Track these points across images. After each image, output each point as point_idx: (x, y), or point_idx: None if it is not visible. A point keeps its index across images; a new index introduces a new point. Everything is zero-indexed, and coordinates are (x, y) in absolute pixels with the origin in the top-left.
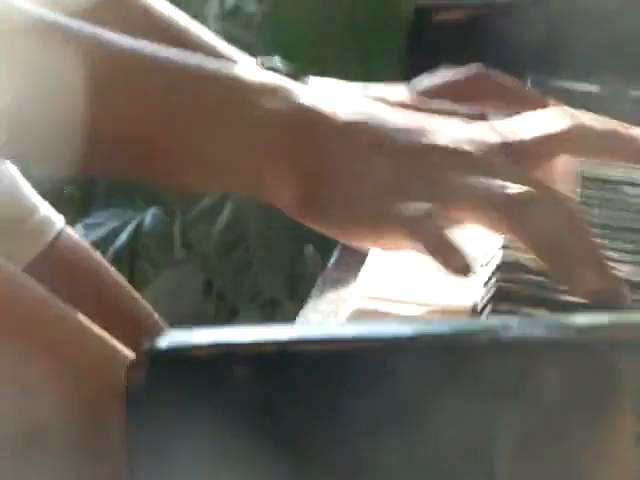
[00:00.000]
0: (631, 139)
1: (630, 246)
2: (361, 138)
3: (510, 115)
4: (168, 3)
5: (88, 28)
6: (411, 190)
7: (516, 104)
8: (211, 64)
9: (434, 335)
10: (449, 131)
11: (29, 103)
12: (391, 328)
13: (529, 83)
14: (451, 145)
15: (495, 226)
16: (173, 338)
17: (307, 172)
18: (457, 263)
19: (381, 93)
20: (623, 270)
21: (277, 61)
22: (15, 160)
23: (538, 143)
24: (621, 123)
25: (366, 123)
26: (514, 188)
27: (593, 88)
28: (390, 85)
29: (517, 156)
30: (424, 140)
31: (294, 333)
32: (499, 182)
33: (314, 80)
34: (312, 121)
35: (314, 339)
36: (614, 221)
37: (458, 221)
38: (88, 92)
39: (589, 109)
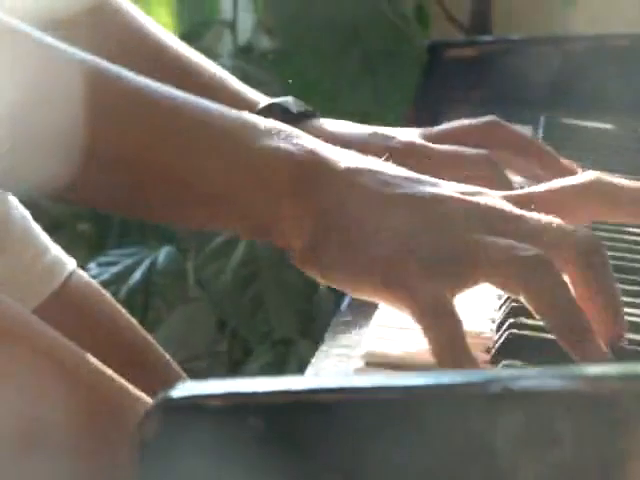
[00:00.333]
0: None
1: (637, 288)
2: (367, 183)
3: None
4: (179, 40)
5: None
6: (426, 247)
7: (527, 158)
8: (216, 105)
9: (447, 386)
10: (453, 184)
11: (30, 111)
12: (404, 378)
13: (543, 120)
14: (462, 196)
15: (513, 289)
16: (187, 389)
17: (321, 212)
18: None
19: (393, 133)
20: (629, 312)
21: (291, 101)
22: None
23: (552, 192)
24: None
25: (369, 169)
26: (533, 250)
27: (607, 126)
28: (402, 128)
29: (527, 204)
30: (433, 189)
31: (307, 383)
32: (518, 244)
33: (326, 121)
34: (321, 163)
35: (327, 389)
36: (620, 261)
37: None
38: (90, 110)
39: (603, 146)
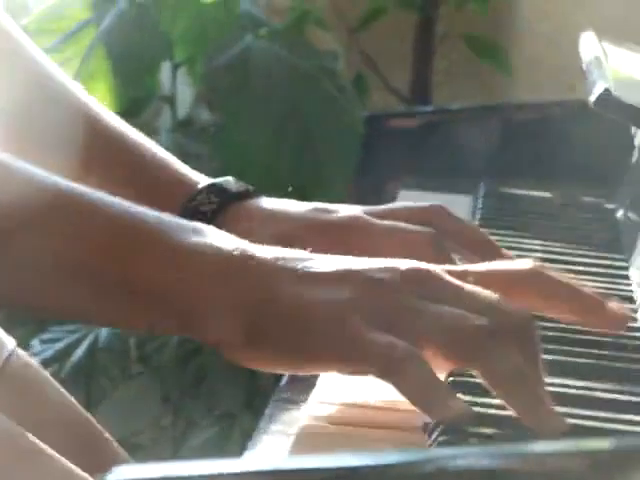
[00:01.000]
0: (587, 297)
1: (584, 360)
2: (297, 270)
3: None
4: (117, 116)
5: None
6: (375, 317)
7: (468, 249)
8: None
9: (379, 466)
10: (389, 260)
11: None
12: (337, 459)
13: (482, 189)
14: (400, 266)
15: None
16: (122, 473)
17: (254, 305)
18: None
19: (334, 208)
20: (579, 385)
21: (231, 180)
22: None
23: (491, 275)
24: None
25: (294, 258)
26: (477, 319)
27: (546, 194)
28: (344, 205)
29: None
30: (366, 265)
31: (239, 467)
32: (461, 312)
33: (265, 199)
34: (248, 258)
35: (261, 472)
36: (567, 333)
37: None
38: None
39: (542, 214)
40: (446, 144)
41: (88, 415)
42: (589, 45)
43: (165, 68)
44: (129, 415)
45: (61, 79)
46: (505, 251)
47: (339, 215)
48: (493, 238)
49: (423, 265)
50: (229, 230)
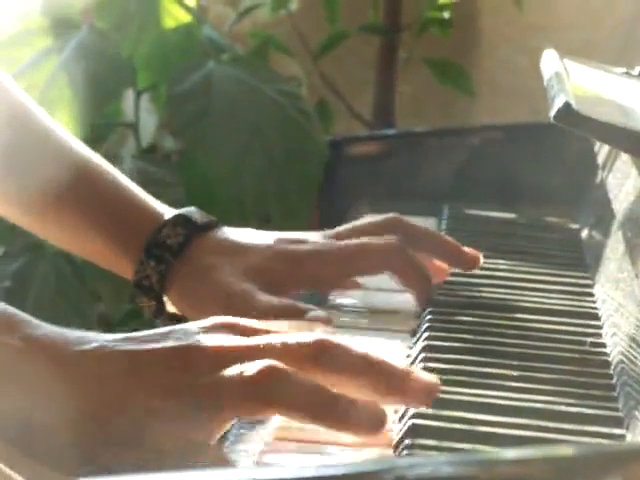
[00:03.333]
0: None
1: (547, 376)
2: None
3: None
4: (82, 142)
5: None
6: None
7: (429, 251)
8: None
9: (339, 477)
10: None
11: None
12: (297, 470)
13: (446, 211)
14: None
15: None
16: None
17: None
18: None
19: (298, 237)
20: (540, 399)
21: (195, 211)
22: None
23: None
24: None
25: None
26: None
27: (510, 215)
28: (307, 232)
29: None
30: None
31: (207, 477)
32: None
33: (231, 231)
34: (44, 348)
35: None
36: (533, 349)
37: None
38: None
39: (507, 235)
40: (410, 167)
41: None
42: (550, 62)
43: (128, 95)
44: None
45: (42, 118)
46: (469, 250)
47: (306, 246)
48: None
49: (214, 342)
50: (193, 264)
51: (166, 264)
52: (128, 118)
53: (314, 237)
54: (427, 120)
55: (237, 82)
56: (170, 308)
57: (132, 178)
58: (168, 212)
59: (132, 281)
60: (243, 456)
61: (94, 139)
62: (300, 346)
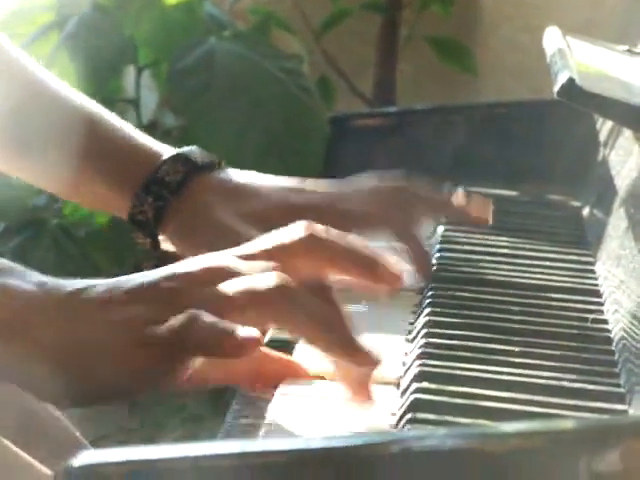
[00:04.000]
0: (371, 261)
1: (549, 352)
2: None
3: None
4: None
5: None
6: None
7: (436, 212)
8: None
9: (346, 448)
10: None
11: None
12: (304, 441)
13: (448, 189)
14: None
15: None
16: (88, 457)
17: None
18: None
19: (309, 187)
20: (542, 375)
21: (196, 151)
22: None
23: (267, 253)
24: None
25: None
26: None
27: (512, 192)
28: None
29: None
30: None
31: (205, 449)
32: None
33: (235, 172)
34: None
35: (227, 454)
36: (535, 326)
37: None
38: None
39: (508, 213)
40: (410, 144)
41: (59, 414)
42: (553, 39)
43: (129, 72)
44: (98, 416)
45: (53, 84)
46: (478, 198)
47: (308, 197)
48: (459, 235)
49: (216, 262)
50: (192, 202)
51: (164, 201)
52: (129, 94)
53: (322, 186)
54: (428, 98)
55: (239, 58)
56: (165, 247)
57: None
58: (168, 151)
59: (128, 214)
60: (248, 427)
61: None
62: (291, 242)
